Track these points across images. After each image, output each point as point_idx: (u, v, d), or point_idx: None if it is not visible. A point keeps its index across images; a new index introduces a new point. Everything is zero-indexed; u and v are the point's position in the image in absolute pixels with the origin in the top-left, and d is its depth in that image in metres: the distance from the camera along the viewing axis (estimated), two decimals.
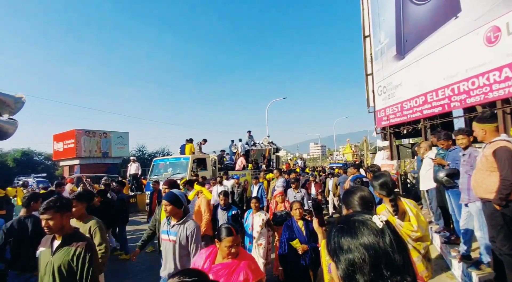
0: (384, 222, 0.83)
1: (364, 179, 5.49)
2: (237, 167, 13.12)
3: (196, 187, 5.80)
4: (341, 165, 22.56)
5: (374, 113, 11.10)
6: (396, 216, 2.11)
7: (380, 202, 2.38)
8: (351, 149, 36.21)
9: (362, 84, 12.36)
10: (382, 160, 9.15)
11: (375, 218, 0.84)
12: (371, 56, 11.06)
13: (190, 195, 5.63)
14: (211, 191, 7.10)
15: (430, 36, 7.73)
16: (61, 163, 25.46)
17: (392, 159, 9.99)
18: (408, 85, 8.71)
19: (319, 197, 8.99)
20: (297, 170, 13.14)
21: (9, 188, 7.32)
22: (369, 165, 16.83)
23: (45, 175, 21.08)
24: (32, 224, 3.45)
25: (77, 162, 22.93)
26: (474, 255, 3.88)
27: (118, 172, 22.36)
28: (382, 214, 2.13)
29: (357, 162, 27.24)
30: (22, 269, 3.40)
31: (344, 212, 1.91)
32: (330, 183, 10.13)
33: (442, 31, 7.28)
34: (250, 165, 13.51)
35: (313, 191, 8.15)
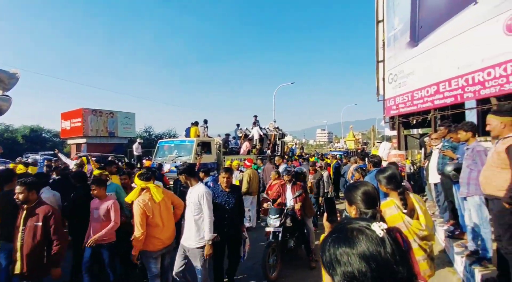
0: (384, 230, 0.75)
1: (365, 168, 5.38)
2: (241, 151, 13.10)
3: (138, 182, 3.44)
4: (341, 153, 22.18)
5: (384, 102, 10.86)
6: (405, 211, 2.03)
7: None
8: (354, 137, 35.62)
9: (373, 71, 12.07)
10: (384, 151, 8.98)
11: (374, 226, 0.76)
12: (384, 42, 10.71)
13: (130, 195, 3.55)
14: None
15: (446, 23, 7.39)
16: (69, 141, 25.81)
17: (399, 149, 9.84)
18: (420, 74, 8.43)
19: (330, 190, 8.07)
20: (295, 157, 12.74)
21: (11, 164, 7.44)
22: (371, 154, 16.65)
23: (52, 152, 21.38)
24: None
25: (84, 140, 23.20)
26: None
27: (124, 152, 22.57)
28: (391, 209, 2.07)
29: (359, 150, 26.83)
30: (6, 239, 3.39)
31: (346, 207, 1.83)
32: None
33: (459, 18, 6.94)
34: (254, 150, 13.46)
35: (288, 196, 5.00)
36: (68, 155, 22.75)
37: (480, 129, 6.06)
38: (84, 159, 8.95)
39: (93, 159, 10.85)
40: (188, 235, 3.48)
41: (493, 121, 2.94)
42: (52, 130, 34.12)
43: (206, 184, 5.79)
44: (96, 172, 4.75)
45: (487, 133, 3.27)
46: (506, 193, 2.77)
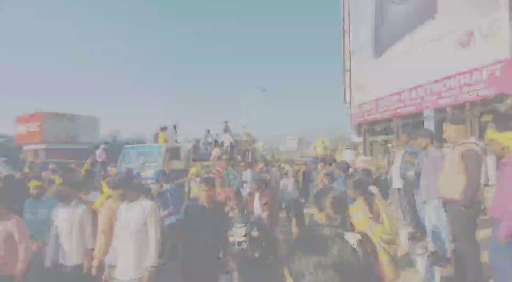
0: (358, 241, 0.75)
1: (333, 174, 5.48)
2: (211, 158, 12.93)
3: (105, 189, 3.27)
4: (311, 159, 22.65)
5: (350, 109, 11.27)
6: (371, 216, 2.08)
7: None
8: (323, 143, 36.48)
9: (340, 79, 12.49)
10: (349, 158, 9.28)
11: (348, 236, 0.75)
12: (350, 53, 11.16)
13: (97, 202, 3.30)
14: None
15: (406, 36, 7.87)
16: (25, 147, 24.04)
17: (365, 155, 10.21)
18: (384, 84, 8.86)
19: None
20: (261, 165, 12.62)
21: None
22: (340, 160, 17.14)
23: (5, 159, 19.79)
24: None
25: (42, 146, 21.74)
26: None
27: (87, 158, 21.43)
28: (358, 214, 2.12)
29: (327, 157, 27.53)
30: None
31: (316, 213, 1.83)
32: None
33: (418, 32, 7.42)
34: (224, 156, 13.34)
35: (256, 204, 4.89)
36: (24, 162, 21.11)
37: (437, 136, 6.45)
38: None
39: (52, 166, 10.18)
40: (125, 264, 2.66)
41: (449, 129, 3.15)
42: (5, 135, 31.77)
43: (164, 192, 5.38)
44: (33, 182, 3.78)
45: (445, 140, 3.47)
46: (461, 196, 2.95)
